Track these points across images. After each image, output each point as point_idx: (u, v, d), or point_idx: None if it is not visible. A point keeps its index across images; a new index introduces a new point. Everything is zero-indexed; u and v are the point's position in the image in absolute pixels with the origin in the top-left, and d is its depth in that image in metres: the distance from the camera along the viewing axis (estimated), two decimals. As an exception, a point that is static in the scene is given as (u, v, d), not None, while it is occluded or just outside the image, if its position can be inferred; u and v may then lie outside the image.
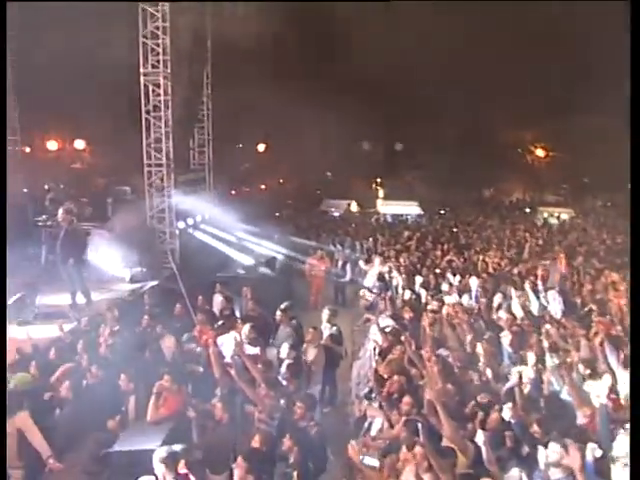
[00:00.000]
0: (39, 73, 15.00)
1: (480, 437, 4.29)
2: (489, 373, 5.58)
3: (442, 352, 6.15)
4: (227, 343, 6.68)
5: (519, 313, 7.54)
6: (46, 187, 16.00)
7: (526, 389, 5.19)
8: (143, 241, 10.26)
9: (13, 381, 5.67)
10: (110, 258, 9.86)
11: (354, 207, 23.05)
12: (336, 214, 21.68)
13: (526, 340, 6.21)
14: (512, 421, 4.45)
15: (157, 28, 10.85)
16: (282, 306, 7.69)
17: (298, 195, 24.94)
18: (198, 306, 8.31)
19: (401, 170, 26.66)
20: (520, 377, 5.20)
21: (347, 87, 21.71)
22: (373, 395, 6.06)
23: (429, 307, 8.05)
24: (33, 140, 19.91)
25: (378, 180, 28.77)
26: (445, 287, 9.29)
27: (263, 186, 26.62)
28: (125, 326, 7.12)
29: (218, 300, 8.73)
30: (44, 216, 9.32)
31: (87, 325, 7.20)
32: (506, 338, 6.21)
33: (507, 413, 4.49)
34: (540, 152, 29.97)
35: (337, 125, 21.51)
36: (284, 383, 5.67)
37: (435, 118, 23.79)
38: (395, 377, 5.64)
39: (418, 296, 8.86)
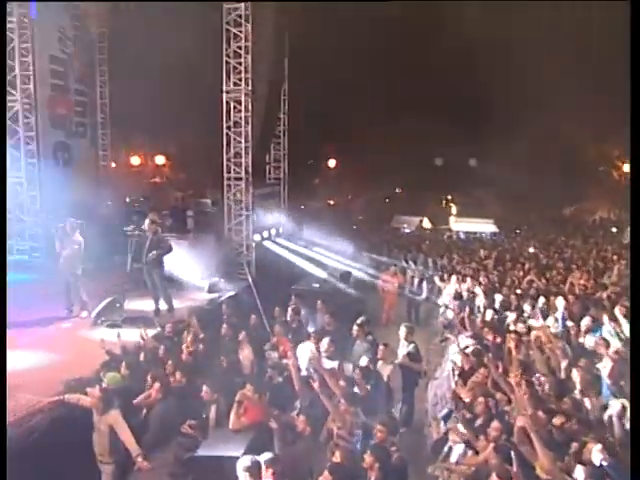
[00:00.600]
0: (126, 92, 16.02)
1: (580, 473, 3.98)
2: (587, 403, 5.19)
3: (531, 377, 5.80)
4: (304, 356, 6.69)
5: (612, 340, 7.00)
6: (127, 199, 17.03)
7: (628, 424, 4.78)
8: (221, 252, 10.58)
9: (105, 380, 5.97)
10: (189, 268, 10.21)
11: (426, 223, 22.65)
12: (407, 230, 21.40)
13: (626, 370, 5.73)
14: (609, 457, 4.08)
15: (240, 48, 11.34)
16: (358, 321, 7.62)
17: (368, 211, 24.91)
18: (275, 317, 8.44)
19: (474, 186, 25.95)
20: (622, 409, 4.80)
21: (421, 103, 21.59)
22: (452, 417, 5.85)
23: (512, 328, 7.69)
24: (119, 156, 21.26)
25: (449, 197, 28.17)
26: (527, 308, 8.87)
27: (332, 201, 26.83)
28: (206, 334, 7.32)
29: (291, 312, 8.79)
30: (131, 226, 9.86)
31: (170, 331, 7.46)
32: (605, 368, 5.74)
33: (605, 448, 4.13)
34: (627, 168, 28.11)
35: (409, 141, 21.37)
36: (363, 400, 5.55)
37: (512, 133, 23.05)
38: (480, 399, 5.39)
39: (500, 316, 8.47)
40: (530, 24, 21.10)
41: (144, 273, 9.20)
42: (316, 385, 5.29)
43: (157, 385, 5.80)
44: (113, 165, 17.15)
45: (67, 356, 7.01)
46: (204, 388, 5.87)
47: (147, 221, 9.06)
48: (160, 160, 23.46)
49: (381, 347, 6.81)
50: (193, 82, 13.72)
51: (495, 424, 4.69)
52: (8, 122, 12.69)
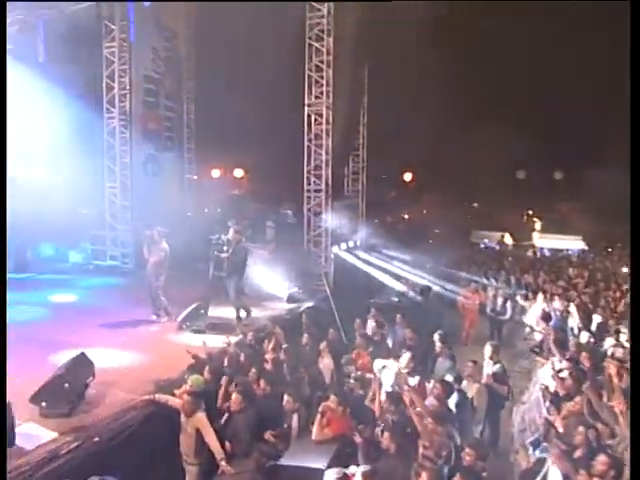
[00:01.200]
0: (209, 107, 16.76)
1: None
2: None
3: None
4: (385, 370, 6.54)
5: None
6: (206, 210, 17.74)
7: None
8: (300, 263, 10.69)
9: (189, 381, 6.14)
10: (269, 278, 10.39)
11: (508, 239, 21.70)
12: (488, 246, 20.62)
13: None
14: None
15: (321, 62, 11.52)
16: (436, 336, 7.40)
17: (444, 225, 24.29)
18: (354, 329, 8.38)
19: (559, 201, 24.57)
20: None
21: (502, 114, 20.86)
22: (542, 446, 5.44)
23: (610, 352, 7.11)
24: (200, 168, 22.26)
25: (530, 212, 26.85)
26: (626, 332, 8.16)
27: (406, 215, 26.44)
28: (287, 344, 7.37)
29: (371, 325, 8.68)
30: (216, 235, 10.21)
31: (252, 339, 7.58)
32: None
33: None
34: None
35: (489, 153, 20.66)
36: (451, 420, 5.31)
37: (602, 144, 21.66)
38: (580, 429, 4.97)
39: (596, 339, 7.86)
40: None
41: (225, 281, 9.44)
42: (407, 400, 5.12)
43: (239, 392, 5.88)
44: (195, 177, 17.94)
45: (155, 358, 7.31)
46: (285, 397, 5.87)
47: (231, 230, 9.31)
48: (239, 173, 24.25)
49: (469, 364, 6.52)
50: (274, 96, 14.10)
51: (602, 458, 4.29)
52: (106, 137, 13.71)
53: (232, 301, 9.20)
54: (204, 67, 16.85)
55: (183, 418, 5.48)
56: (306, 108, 11.53)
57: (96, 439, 5.09)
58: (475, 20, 20.33)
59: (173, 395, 5.81)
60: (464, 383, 6.51)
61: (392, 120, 18.17)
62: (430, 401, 5.43)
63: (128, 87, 13.65)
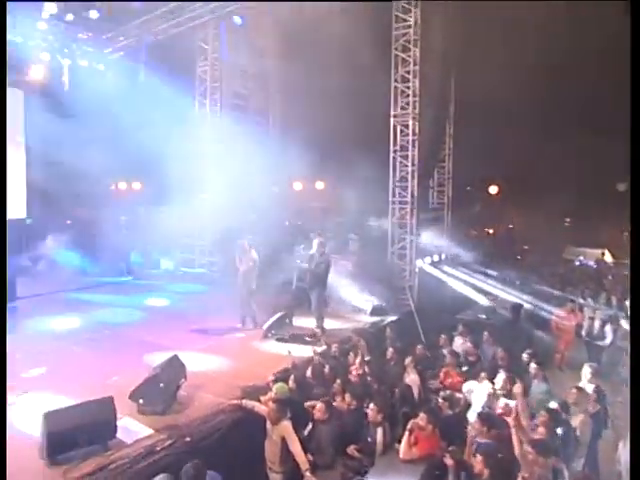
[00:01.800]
0: (293, 120, 17.08)
1: None
2: None
3: None
4: (477, 391, 6.21)
5: None
6: (286, 223, 18.01)
7: None
8: (384, 276, 10.52)
9: (274, 389, 6.17)
10: (352, 290, 10.31)
11: (608, 257, 20.07)
12: (583, 263, 19.19)
13: None
14: None
15: (408, 72, 11.39)
16: (525, 356, 6.96)
17: (534, 240, 22.96)
18: (440, 346, 8.08)
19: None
20: None
21: (598, 122, 19.43)
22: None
23: None
24: (282, 181, 22.72)
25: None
26: None
27: (491, 230, 25.28)
28: (371, 357, 7.23)
29: (459, 342, 8.33)
30: (302, 246, 10.32)
31: (337, 351, 7.52)
32: None
33: None
34: None
35: (583, 165, 19.29)
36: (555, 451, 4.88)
37: None
38: None
39: None
40: None
41: (308, 291, 9.49)
42: (511, 420, 4.80)
43: (324, 402, 5.81)
44: (276, 190, 18.31)
45: (241, 364, 7.46)
46: (370, 410, 5.72)
47: (315, 242, 9.36)
48: (320, 185, 24.48)
49: (573, 391, 6.00)
50: (359, 108, 14.10)
51: None
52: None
53: (314, 312, 9.22)
54: (290, 82, 17.27)
55: (269, 425, 5.49)
56: (392, 119, 11.42)
57: (187, 439, 5.24)
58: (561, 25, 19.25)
59: (259, 401, 5.86)
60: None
61: (479, 131, 17.54)
62: (533, 428, 5.04)
63: (219, 104, 14.31)
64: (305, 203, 24.50)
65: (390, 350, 7.44)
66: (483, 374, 6.50)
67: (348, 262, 10.82)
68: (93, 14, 11.04)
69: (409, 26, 11.28)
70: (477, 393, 6.10)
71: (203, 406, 5.96)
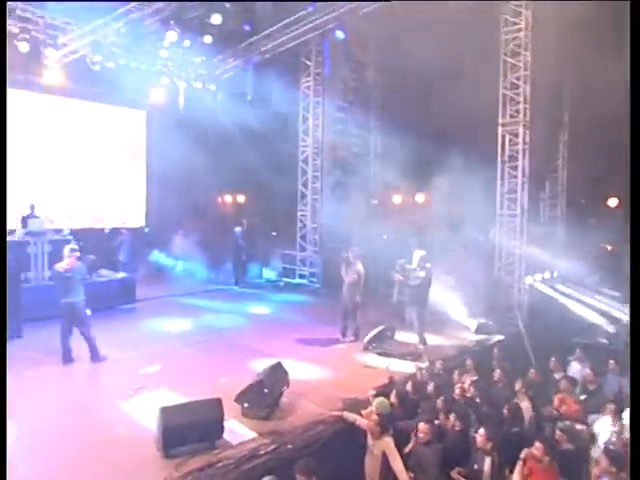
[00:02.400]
0: (394, 133, 16.92)
1: None
2: None
3: None
4: (600, 426, 5.60)
5: None
6: (385, 237, 17.78)
7: None
8: (490, 293, 9.98)
9: (374, 404, 6.02)
10: (456, 306, 9.89)
11: None
12: None
13: None
14: None
15: (517, 78, 10.82)
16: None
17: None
18: (551, 370, 7.44)
19: None
20: None
21: None
22: None
23: None
24: (383, 194, 22.60)
25: None
26: None
27: (609, 247, 23.05)
28: (478, 377, 6.84)
29: (575, 368, 7.62)
30: (402, 259, 10.11)
31: (441, 368, 7.22)
32: None
33: None
34: None
35: None
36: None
37: None
38: None
39: None
40: None
41: (407, 306, 9.25)
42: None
43: (427, 424, 5.56)
44: (375, 202, 18.26)
45: (342, 375, 7.41)
46: (479, 437, 5.36)
47: (417, 256, 9.13)
48: (420, 198, 24.00)
49: None
50: (463, 117, 13.64)
51: None
52: (300, 164, 14.83)
53: (415, 328, 8.96)
54: (391, 95, 17.22)
55: (370, 440, 5.37)
56: (500, 128, 10.88)
57: (289, 446, 5.28)
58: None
59: (360, 415, 5.75)
60: None
61: (595, 138, 16.18)
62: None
63: (321, 117, 14.63)
64: (405, 216, 24.13)
65: (497, 371, 6.98)
66: (610, 406, 5.84)
67: (451, 277, 10.39)
68: (207, 39, 11.81)
69: (519, 29, 10.74)
70: (600, 427, 5.49)
71: (305, 415, 5.99)
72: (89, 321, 7.59)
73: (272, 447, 5.18)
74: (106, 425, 5.60)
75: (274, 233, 16.44)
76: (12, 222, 11.52)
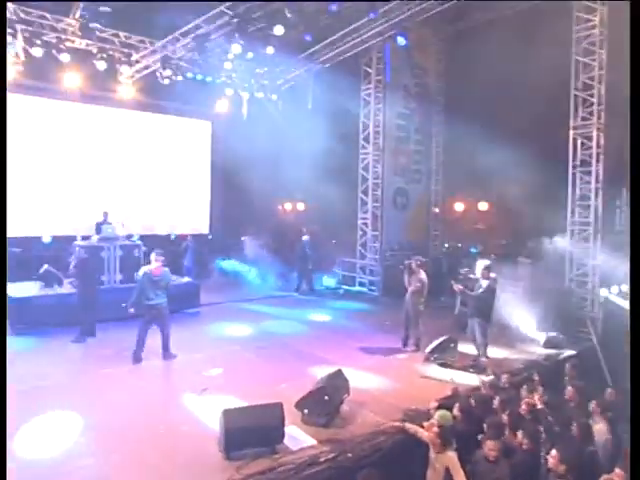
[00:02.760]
0: (457, 140, 16.51)
1: None
2: None
3: None
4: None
5: None
6: (446, 245, 17.36)
7: None
8: (560, 305, 9.45)
9: (436, 416, 5.83)
10: (523, 317, 9.46)
11: None
12: None
13: None
14: None
15: (591, 78, 10.28)
16: None
17: None
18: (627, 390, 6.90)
19: None
20: None
21: None
22: None
23: None
24: (445, 202, 22.09)
25: None
26: None
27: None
28: (547, 393, 6.48)
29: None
30: (466, 269, 9.80)
31: (507, 382, 6.90)
32: None
33: None
34: None
35: None
36: None
37: None
38: None
39: None
40: None
41: (469, 317, 8.93)
42: None
43: (496, 442, 5.29)
44: (437, 210, 17.86)
45: (403, 386, 7.26)
46: (551, 459, 5.04)
47: (480, 265, 8.80)
48: (483, 206, 23.23)
49: None
50: (529, 123, 13.09)
51: None
52: (361, 171, 14.79)
53: (477, 340, 8.62)
54: (453, 101, 16.86)
55: (432, 453, 5.20)
56: (571, 131, 10.35)
57: (349, 455, 5.22)
58: None
59: (422, 427, 5.60)
60: None
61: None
62: None
63: (382, 124, 14.55)
64: (467, 224, 23.49)
65: (569, 389, 6.57)
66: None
67: (517, 287, 9.94)
68: (269, 50, 12.06)
69: (594, 26, 10.21)
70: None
71: (365, 424, 5.91)
72: (170, 321, 8.03)
73: (332, 455, 5.14)
74: (173, 423, 5.80)
75: (334, 241, 16.49)
76: (88, 229, 12.35)
